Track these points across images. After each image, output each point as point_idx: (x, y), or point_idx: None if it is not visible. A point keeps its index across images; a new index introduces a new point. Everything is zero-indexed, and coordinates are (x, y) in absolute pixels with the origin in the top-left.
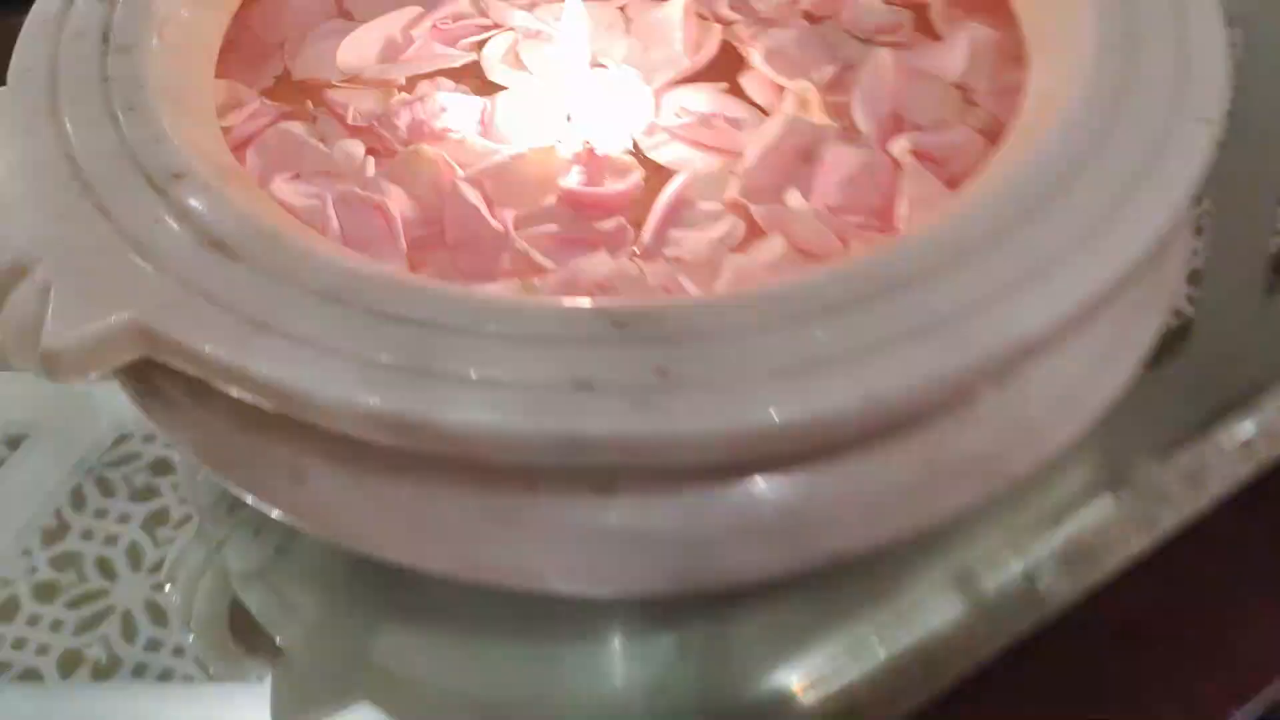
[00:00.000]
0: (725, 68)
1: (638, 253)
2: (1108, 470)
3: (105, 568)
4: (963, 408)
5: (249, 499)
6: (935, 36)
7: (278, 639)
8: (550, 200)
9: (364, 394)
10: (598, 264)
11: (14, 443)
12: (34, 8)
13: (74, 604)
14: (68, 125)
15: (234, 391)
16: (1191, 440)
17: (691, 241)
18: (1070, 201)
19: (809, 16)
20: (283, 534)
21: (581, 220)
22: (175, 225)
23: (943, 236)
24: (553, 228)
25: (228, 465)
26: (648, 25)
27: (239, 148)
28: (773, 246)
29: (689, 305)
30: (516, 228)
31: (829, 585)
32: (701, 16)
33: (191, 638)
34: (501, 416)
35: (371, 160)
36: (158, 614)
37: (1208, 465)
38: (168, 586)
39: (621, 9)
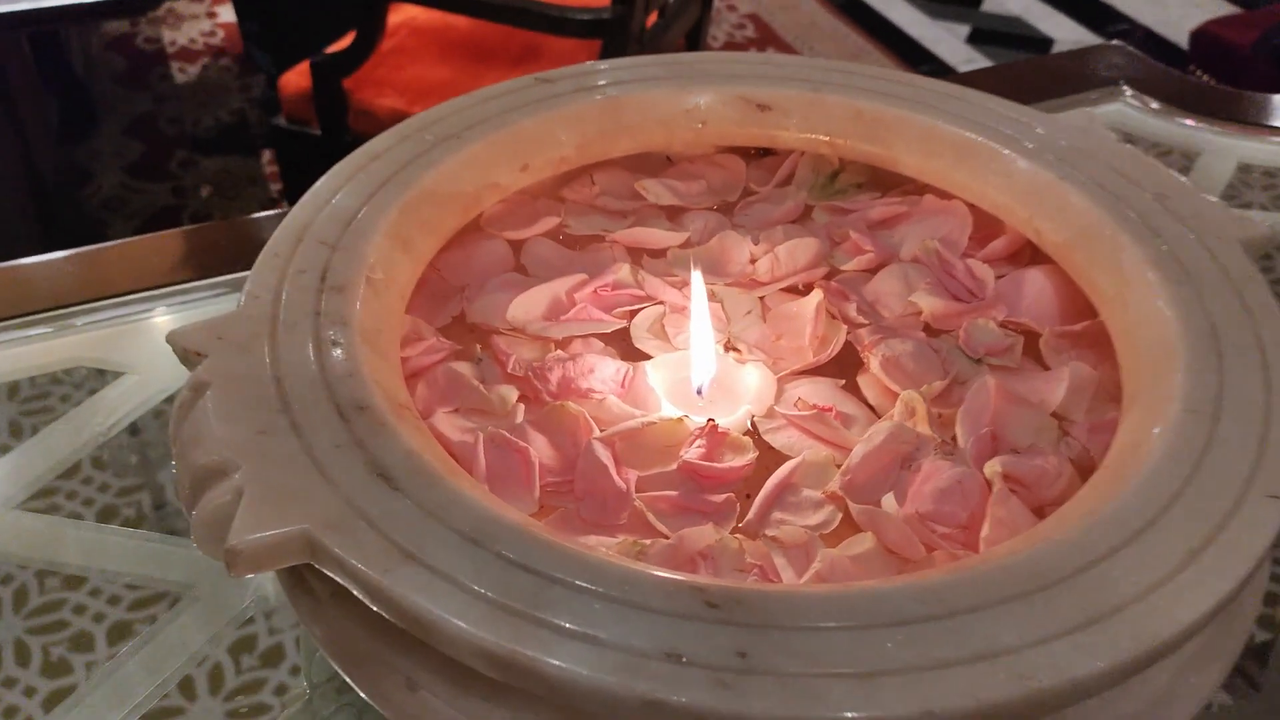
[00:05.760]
0: (847, 363)
1: (741, 526)
2: None
3: (186, 687)
4: None
5: (363, 695)
6: (1042, 364)
7: None
8: (672, 467)
9: (483, 633)
10: (703, 535)
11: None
12: (267, 245)
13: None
14: (281, 350)
15: (373, 605)
16: None
17: (791, 524)
18: (1139, 556)
19: (929, 329)
20: None
21: (697, 489)
22: (352, 451)
23: (1016, 570)
24: (670, 493)
25: (351, 663)
26: (782, 316)
27: (413, 377)
28: (862, 542)
29: (776, 595)
30: (638, 489)
31: None
32: (831, 315)
33: None
34: (597, 674)
35: (522, 407)
36: None
37: None
38: None
39: (761, 299)
